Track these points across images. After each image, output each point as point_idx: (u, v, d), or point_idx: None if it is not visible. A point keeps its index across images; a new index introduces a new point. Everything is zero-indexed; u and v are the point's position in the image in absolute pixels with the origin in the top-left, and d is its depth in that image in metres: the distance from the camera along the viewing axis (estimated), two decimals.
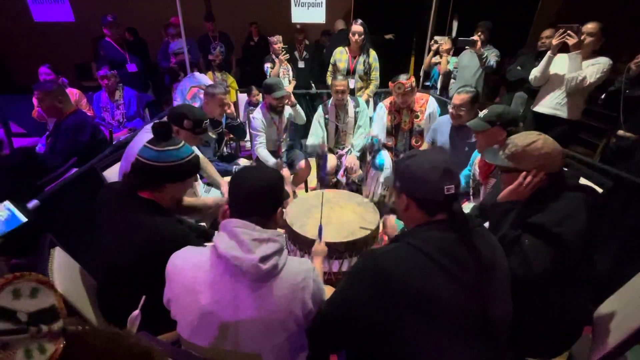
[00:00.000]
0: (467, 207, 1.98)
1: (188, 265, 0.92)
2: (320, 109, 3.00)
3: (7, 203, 1.19)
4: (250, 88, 3.72)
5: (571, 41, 2.48)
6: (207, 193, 2.32)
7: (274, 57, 3.94)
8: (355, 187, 2.99)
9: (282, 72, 3.95)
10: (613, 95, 2.70)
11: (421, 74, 4.24)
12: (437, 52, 4.26)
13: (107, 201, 1.25)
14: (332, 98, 2.93)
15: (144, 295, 1.00)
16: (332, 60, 3.56)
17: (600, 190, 1.76)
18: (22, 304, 0.40)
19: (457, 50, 4.02)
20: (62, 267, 1.20)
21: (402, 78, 2.58)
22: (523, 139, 1.23)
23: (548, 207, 1.16)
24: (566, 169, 1.32)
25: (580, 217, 1.11)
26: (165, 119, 1.78)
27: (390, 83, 2.67)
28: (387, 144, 2.88)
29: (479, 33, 3.58)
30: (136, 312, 0.98)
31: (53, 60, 3.58)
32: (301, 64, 4.52)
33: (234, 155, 3.18)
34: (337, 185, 2.99)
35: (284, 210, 1.36)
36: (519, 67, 3.59)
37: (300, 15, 4.13)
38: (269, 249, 0.88)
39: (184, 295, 0.89)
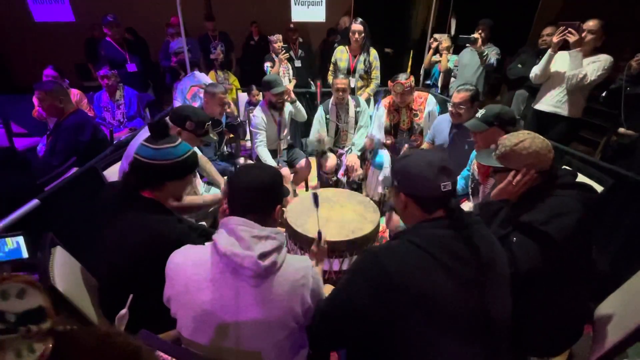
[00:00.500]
0: (466, 207, 1.97)
1: (188, 263, 0.92)
2: (320, 109, 3.00)
3: (20, 238, 1.21)
4: (250, 87, 3.72)
5: (572, 39, 2.47)
6: (208, 192, 2.32)
7: (274, 56, 3.94)
8: (356, 186, 2.99)
9: (282, 71, 3.94)
10: (614, 92, 2.69)
11: (421, 72, 4.23)
12: (437, 50, 4.26)
13: (108, 200, 1.26)
14: (332, 97, 2.92)
15: (130, 294, 1.00)
16: (332, 60, 3.56)
17: (600, 188, 1.76)
18: (9, 305, 0.41)
19: (457, 48, 4.01)
20: (63, 266, 1.20)
21: (401, 78, 2.58)
22: (511, 138, 1.23)
23: (538, 205, 1.16)
24: (565, 167, 1.31)
25: (571, 215, 1.10)
26: (167, 118, 1.77)
27: (389, 82, 2.67)
28: (386, 142, 2.88)
29: (480, 31, 3.56)
30: (123, 310, 0.97)
31: (53, 60, 3.58)
32: (297, 63, 4.51)
33: (234, 155, 3.18)
34: (337, 184, 2.99)
35: (283, 209, 1.36)
36: (519, 65, 3.59)
37: (300, 14, 4.11)
38: (268, 246, 0.89)
39: (184, 294, 0.89)
